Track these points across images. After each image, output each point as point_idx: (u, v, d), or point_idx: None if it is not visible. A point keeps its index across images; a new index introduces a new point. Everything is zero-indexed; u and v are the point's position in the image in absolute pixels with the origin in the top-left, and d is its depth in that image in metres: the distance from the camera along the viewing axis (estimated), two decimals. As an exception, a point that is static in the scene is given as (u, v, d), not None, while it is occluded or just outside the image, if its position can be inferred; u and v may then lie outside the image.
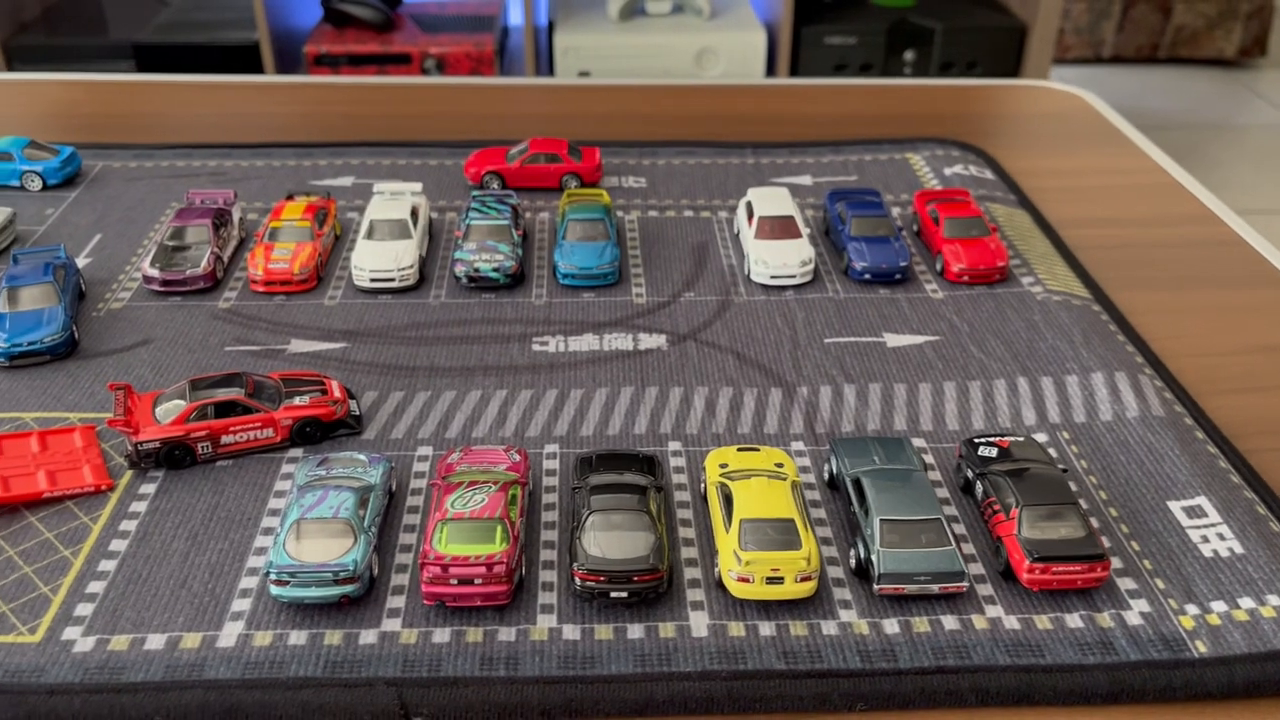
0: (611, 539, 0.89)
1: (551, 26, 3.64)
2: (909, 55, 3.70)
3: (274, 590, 0.86)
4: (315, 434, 1.05)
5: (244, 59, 3.51)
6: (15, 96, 1.87)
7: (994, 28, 3.63)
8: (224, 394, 1.02)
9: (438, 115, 1.83)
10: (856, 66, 3.67)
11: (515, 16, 4.02)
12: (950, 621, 0.87)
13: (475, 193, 1.43)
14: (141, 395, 1.05)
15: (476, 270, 1.29)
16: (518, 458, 0.98)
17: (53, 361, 1.15)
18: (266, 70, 3.52)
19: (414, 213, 1.37)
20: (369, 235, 1.33)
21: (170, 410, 1.01)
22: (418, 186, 1.42)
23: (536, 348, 1.20)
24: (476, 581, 0.86)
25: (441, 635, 0.85)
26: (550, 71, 3.68)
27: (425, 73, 3.53)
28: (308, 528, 0.89)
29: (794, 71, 3.72)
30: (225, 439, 1.02)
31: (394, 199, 1.38)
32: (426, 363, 1.17)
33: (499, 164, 1.52)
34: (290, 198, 1.40)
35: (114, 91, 1.90)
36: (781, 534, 0.89)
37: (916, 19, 3.64)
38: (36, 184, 1.48)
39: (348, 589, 0.86)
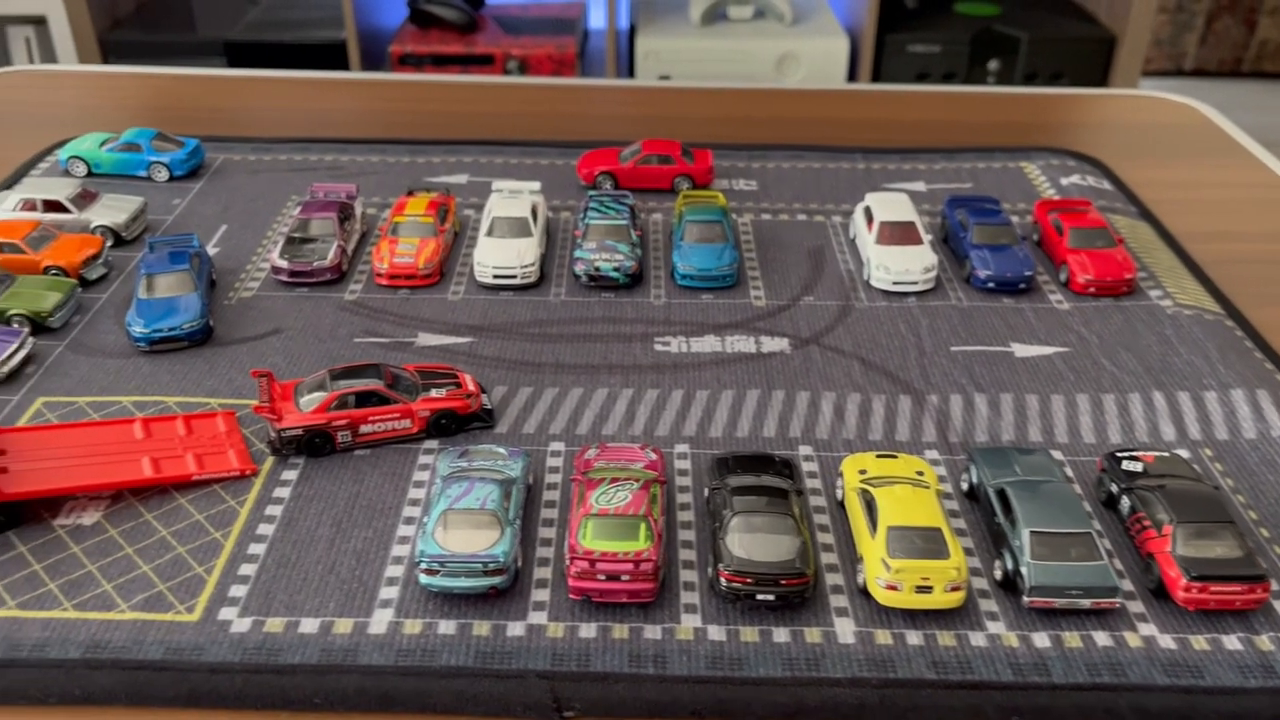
0: (755, 541, 0.88)
1: (633, 30, 3.66)
2: (993, 65, 3.65)
3: (423, 579, 0.87)
4: (450, 426, 1.06)
5: (331, 57, 3.56)
6: (112, 88, 1.92)
7: (1082, 38, 3.57)
8: (364, 384, 1.03)
9: (530, 115, 1.83)
10: (939, 75, 3.63)
11: (595, 20, 4.04)
12: (1102, 637, 0.85)
13: (591, 193, 1.44)
14: (282, 383, 1.07)
15: (597, 269, 1.30)
16: (654, 456, 0.98)
17: (190, 348, 1.17)
18: (352, 69, 3.58)
19: (533, 211, 1.37)
20: (490, 232, 1.34)
21: (312, 399, 1.03)
22: (536, 185, 1.43)
23: (659, 347, 1.20)
24: (624, 578, 0.86)
25: (588, 630, 0.85)
26: (630, 75, 3.69)
27: (507, 73, 3.56)
28: (455, 518, 0.90)
29: (875, 79, 3.69)
30: (364, 428, 1.03)
31: (513, 197, 1.39)
32: (552, 359, 1.18)
33: (612, 164, 1.53)
34: (411, 193, 1.42)
35: (212, 85, 1.94)
36: (929, 543, 0.88)
37: (1002, 28, 3.59)
38: (163, 175, 1.51)
39: (496, 580, 0.87)
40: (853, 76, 3.71)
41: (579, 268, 1.30)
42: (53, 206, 1.34)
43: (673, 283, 1.33)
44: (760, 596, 0.86)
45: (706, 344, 1.21)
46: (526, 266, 1.30)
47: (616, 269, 1.30)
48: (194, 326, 1.17)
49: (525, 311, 1.26)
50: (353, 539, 0.93)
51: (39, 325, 1.18)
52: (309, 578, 0.89)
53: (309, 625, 0.85)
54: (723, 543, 0.89)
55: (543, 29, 3.66)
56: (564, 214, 1.48)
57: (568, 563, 0.87)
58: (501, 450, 0.99)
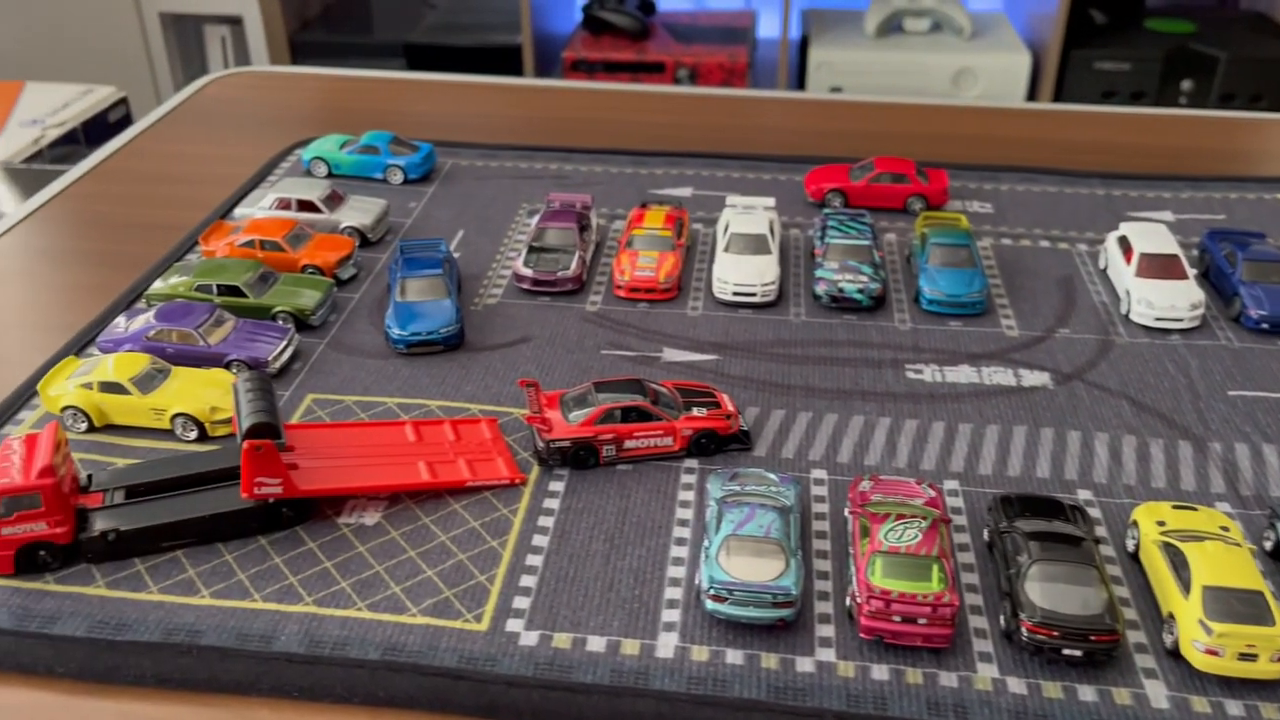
0: (1057, 591, 0.84)
1: (805, 41, 3.61)
2: (1186, 85, 3.47)
3: (710, 605, 0.85)
4: (710, 446, 1.04)
5: (506, 61, 3.63)
6: (327, 90, 1.98)
7: (1288, 58, 3.37)
8: (630, 399, 1.03)
9: (716, 127, 1.82)
10: (1127, 94, 3.48)
11: (764, 29, 4.01)
12: None
13: (827, 211, 1.41)
14: (546, 393, 1.07)
15: (840, 290, 1.27)
16: (933, 492, 0.95)
17: (444, 352, 1.19)
18: (526, 73, 3.64)
19: (770, 227, 1.35)
20: (728, 249, 1.32)
21: (580, 413, 1.02)
22: (770, 201, 1.41)
23: (911, 375, 1.17)
24: (920, 621, 0.83)
25: (880, 672, 0.82)
26: (800, 86, 3.65)
27: (678, 82, 3.56)
28: (738, 544, 0.88)
29: (1057, 97, 3.56)
30: (629, 443, 1.02)
31: (748, 213, 1.38)
32: (801, 382, 1.15)
33: (842, 182, 1.49)
34: (645, 206, 1.42)
35: (423, 90, 1.98)
36: (1250, 607, 0.82)
37: (1198, 46, 3.41)
38: (398, 177, 1.55)
39: (784, 613, 0.85)
40: (1033, 94, 3.59)
41: (820, 288, 1.28)
42: (306, 206, 1.39)
43: (916, 307, 1.29)
44: (1067, 651, 0.82)
45: (962, 374, 1.17)
46: (767, 285, 1.28)
47: (860, 290, 1.26)
48: (450, 331, 1.18)
49: (767, 330, 1.24)
50: (628, 557, 0.93)
51: (300, 322, 1.21)
52: (589, 594, 0.89)
53: (596, 644, 0.84)
54: (1021, 591, 0.84)
55: (713, 38, 3.65)
56: (792, 231, 1.46)
57: (860, 601, 0.84)
58: (773, 476, 0.97)
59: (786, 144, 1.73)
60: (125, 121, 2.78)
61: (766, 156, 1.64)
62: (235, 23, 3.77)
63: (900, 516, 0.90)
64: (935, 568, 0.85)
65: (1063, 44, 3.44)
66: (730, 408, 1.06)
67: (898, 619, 0.83)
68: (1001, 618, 0.86)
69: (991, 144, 1.73)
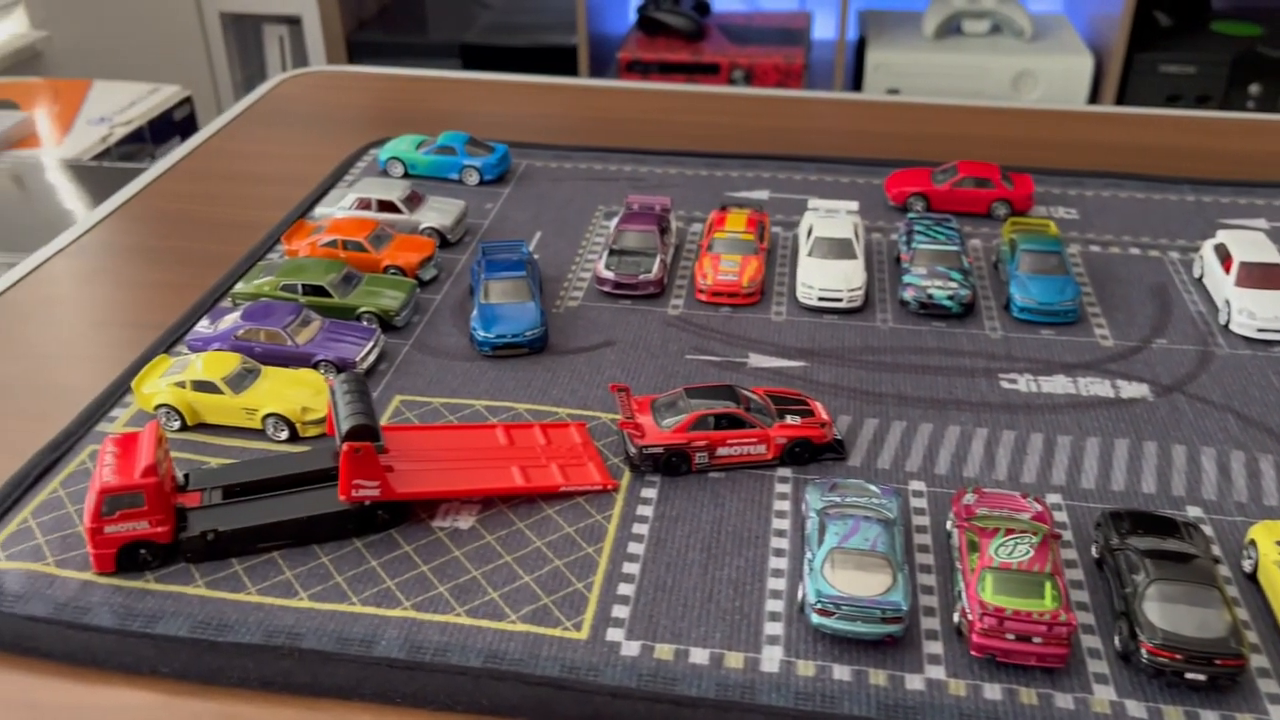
0: (1178, 613, 0.81)
1: (862, 42, 3.58)
2: (1254, 89, 3.40)
3: (816, 619, 0.83)
4: (804, 455, 1.02)
5: (561, 62, 3.63)
6: (373, 88, 1.98)
7: (1363, 62, 3.28)
8: (722, 406, 1.01)
9: (776, 129, 1.80)
10: (1192, 98, 3.41)
11: (819, 30, 3.98)
12: None
13: (912, 215, 1.39)
14: (635, 398, 1.06)
15: (930, 297, 1.24)
16: (1039, 507, 0.92)
17: (529, 355, 1.18)
18: (580, 74, 3.63)
19: (855, 231, 1.33)
20: (812, 253, 1.30)
21: (674, 419, 1.01)
22: (854, 205, 1.39)
23: (1005, 385, 1.14)
24: (1035, 640, 0.80)
25: (992, 692, 0.80)
26: (856, 87, 3.62)
27: (732, 83, 3.54)
28: (843, 558, 0.86)
29: (1120, 100, 3.49)
30: (721, 451, 1.01)
31: (831, 216, 1.36)
32: (893, 390, 1.13)
33: (924, 186, 1.47)
34: (724, 209, 1.40)
35: (493, 90, 1.98)
36: (1383, 633, 0.79)
37: (1267, 50, 3.34)
38: (474, 178, 1.54)
39: (893, 629, 0.83)
40: (1095, 97, 3.53)
41: (909, 294, 1.25)
42: (386, 207, 1.39)
43: (1006, 314, 1.26)
44: (1190, 675, 0.79)
45: (1058, 384, 1.14)
46: (853, 290, 1.25)
47: (951, 297, 1.24)
48: (535, 335, 1.17)
49: (854, 337, 1.22)
50: (726, 567, 0.91)
51: (384, 323, 1.21)
52: (689, 604, 0.87)
53: (699, 655, 0.83)
54: (1139, 611, 0.82)
55: (768, 39, 3.63)
56: (874, 235, 1.44)
57: (971, 618, 0.82)
58: (873, 487, 0.95)
59: (857, 147, 1.71)
60: (190, 120, 2.81)
61: (843, 159, 1.62)
62: (294, 22, 3.80)
63: (1010, 531, 0.87)
64: (1048, 585, 0.83)
65: (1126, 46, 3.39)
66: (825, 416, 1.04)
67: (1011, 637, 0.81)
68: (1116, 638, 0.84)
69: (1064, 149, 1.70)
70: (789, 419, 1.03)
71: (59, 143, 2.49)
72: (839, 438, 1.05)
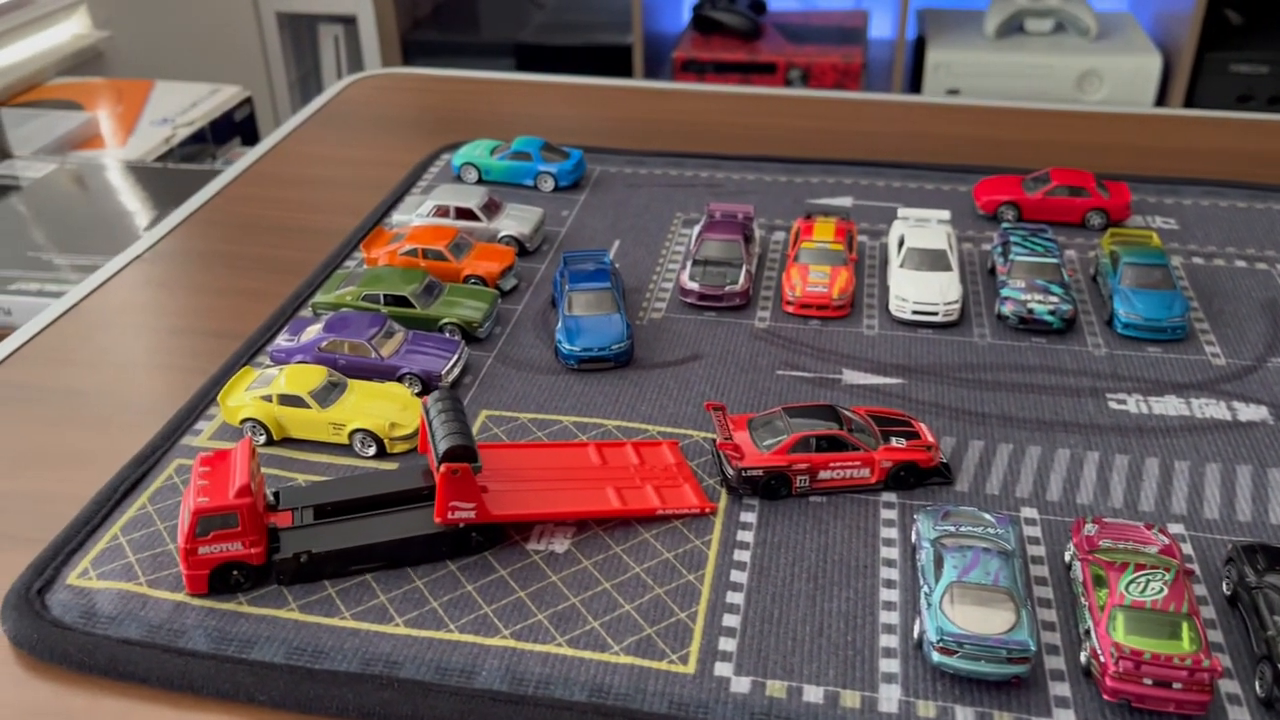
0: (1327, 658, 0.76)
1: (921, 41, 3.51)
2: (1330, 88, 3.29)
3: (936, 657, 0.79)
4: (909, 479, 0.98)
5: (615, 61, 3.60)
6: (442, 90, 1.96)
7: None
8: (825, 427, 0.97)
9: (830, 130, 1.75)
10: (1264, 99, 3.31)
11: (876, 29, 3.92)
12: None
13: (1006, 225, 1.34)
14: (731, 416, 1.02)
15: (1030, 312, 1.19)
16: (1166, 539, 0.87)
17: (615, 369, 1.15)
18: (635, 74, 3.60)
19: (948, 242, 1.28)
20: (904, 264, 1.26)
21: (772, 440, 0.97)
22: (945, 214, 1.34)
23: (1114, 406, 1.09)
24: (1175, 685, 0.76)
25: (1127, 739, 0.76)
26: (915, 88, 3.55)
27: (789, 83, 3.49)
28: (963, 592, 0.82)
29: (1189, 102, 3.40)
30: (823, 474, 0.97)
31: (922, 226, 1.31)
32: (996, 410, 1.09)
33: (1015, 194, 1.42)
34: (809, 217, 1.36)
35: (533, 91, 1.95)
36: None
37: (1345, 48, 3.23)
38: (549, 185, 1.51)
39: (1020, 669, 0.78)
40: (1162, 98, 3.43)
41: (1007, 308, 1.20)
42: (464, 214, 1.36)
43: (1109, 330, 1.21)
44: (1344, 727, 0.74)
45: (1169, 406, 1.09)
46: (950, 304, 1.21)
47: (1052, 312, 1.19)
48: (621, 349, 1.14)
49: (952, 353, 1.18)
50: (835, 599, 0.87)
51: (467, 335, 1.18)
52: (798, 638, 0.84)
53: (812, 694, 0.79)
54: (1284, 655, 0.77)
55: (826, 38, 3.57)
56: (964, 245, 1.39)
57: (1104, 659, 0.78)
58: (987, 516, 0.90)
59: (942, 152, 1.66)
60: (250, 120, 2.81)
61: (928, 165, 1.57)
62: (349, 22, 3.80)
63: (1140, 566, 0.83)
64: (1186, 626, 0.78)
65: (1197, 45, 3.29)
66: (930, 438, 1.00)
67: (1148, 681, 0.76)
68: (1258, 684, 0.79)
69: (1146, 154, 1.64)
70: (894, 441, 0.99)
71: (123, 144, 2.50)
72: (945, 461, 1.01)
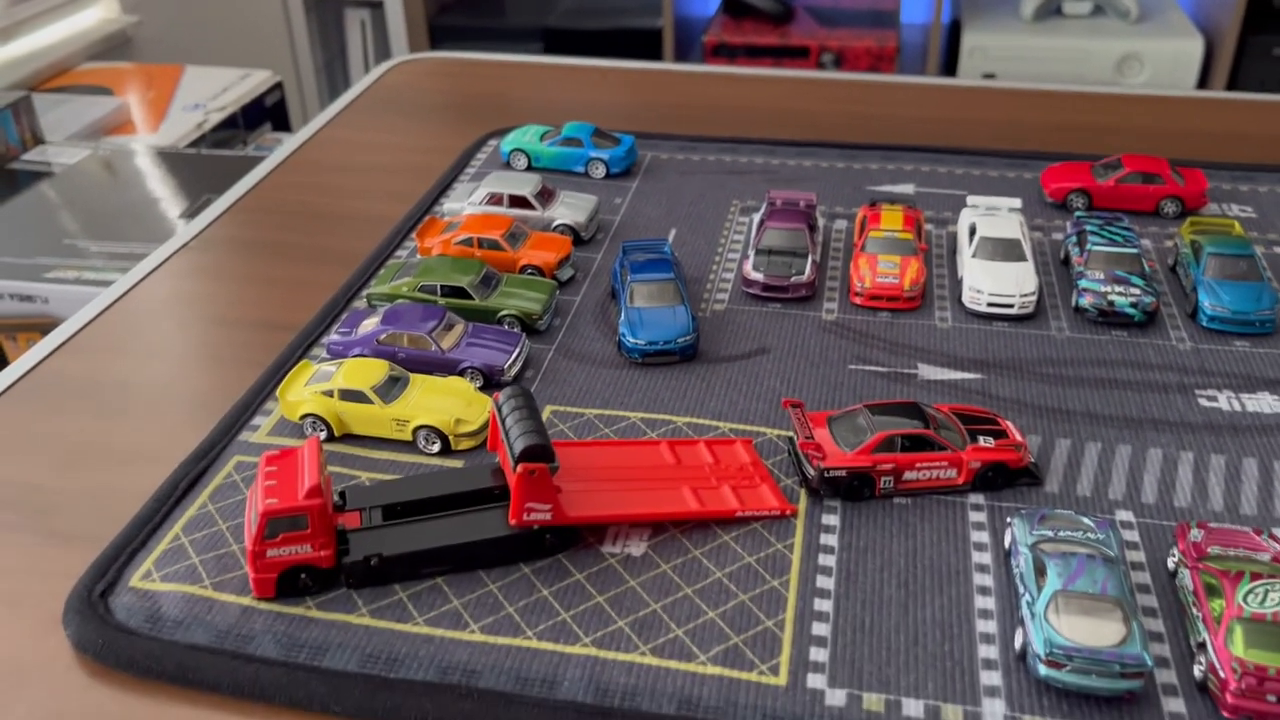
0: None
1: (956, 24, 3.45)
2: (1380, 71, 3.21)
3: (1044, 671, 0.75)
4: (997, 480, 0.94)
5: (645, 45, 3.54)
6: (484, 75, 1.92)
7: None
8: (910, 426, 0.93)
9: (876, 117, 1.70)
10: (1310, 82, 3.23)
11: (909, 12, 3.85)
12: None
13: (1080, 214, 1.29)
14: (810, 414, 0.98)
15: (1110, 304, 1.15)
16: (1277, 545, 0.83)
17: (680, 362, 1.11)
18: (665, 58, 3.55)
19: (1021, 231, 1.24)
20: (976, 254, 1.22)
21: (855, 439, 0.93)
22: (1016, 202, 1.29)
23: (1205, 403, 1.05)
24: (1302, 703, 0.72)
25: (1250, 759, 0.72)
26: (950, 72, 3.49)
27: (821, 67, 3.44)
28: (1069, 602, 0.78)
29: (1231, 85, 3.32)
30: (908, 475, 0.93)
31: (993, 214, 1.26)
32: (1081, 407, 1.04)
33: (1086, 181, 1.37)
34: (875, 204, 1.32)
35: (576, 75, 1.90)
36: None
37: (1397, 30, 3.15)
38: (600, 171, 1.47)
39: (1133, 684, 0.74)
40: (1204, 81, 3.36)
41: (1086, 300, 1.16)
42: (518, 202, 1.32)
43: (1192, 323, 1.16)
44: None
45: (1264, 403, 1.04)
46: (1026, 295, 1.16)
47: (1134, 305, 1.14)
48: (687, 341, 1.10)
49: (1030, 347, 1.13)
50: (928, 606, 0.83)
51: (526, 327, 1.15)
52: (893, 648, 0.80)
53: (912, 708, 0.75)
54: None
55: (858, 21, 3.51)
56: (1034, 234, 1.34)
57: (1224, 675, 0.74)
58: (1086, 520, 0.86)
59: (998, 137, 1.61)
60: (281, 106, 2.78)
61: (992, 151, 1.52)
62: (375, 6, 3.76)
63: (1256, 575, 0.78)
64: (1309, 640, 0.74)
65: (1240, 28, 3.22)
66: (1018, 437, 0.96)
67: (1273, 699, 0.72)
68: (1385, 700, 0.75)
69: (1212, 139, 1.59)
70: (981, 440, 0.95)
71: (155, 129, 2.47)
72: (1034, 461, 0.97)
